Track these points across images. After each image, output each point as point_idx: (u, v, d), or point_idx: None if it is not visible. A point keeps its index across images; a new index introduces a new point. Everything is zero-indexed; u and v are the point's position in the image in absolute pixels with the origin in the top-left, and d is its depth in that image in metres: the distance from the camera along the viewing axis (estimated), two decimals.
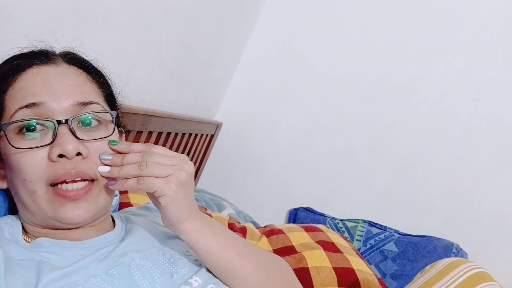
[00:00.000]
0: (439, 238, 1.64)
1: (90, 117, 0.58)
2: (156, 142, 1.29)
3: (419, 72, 1.74)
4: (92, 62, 0.65)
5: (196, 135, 1.66)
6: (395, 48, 1.75)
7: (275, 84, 1.87)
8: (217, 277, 0.62)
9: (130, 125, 1.04)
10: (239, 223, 1.27)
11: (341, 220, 1.75)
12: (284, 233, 1.19)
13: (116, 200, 0.96)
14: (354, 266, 1.08)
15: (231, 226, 1.20)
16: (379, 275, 1.19)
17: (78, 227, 0.59)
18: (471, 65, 1.70)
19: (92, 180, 0.57)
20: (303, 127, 1.85)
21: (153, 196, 0.58)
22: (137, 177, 0.55)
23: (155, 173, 0.55)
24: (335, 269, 1.04)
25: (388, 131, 1.78)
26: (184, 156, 0.60)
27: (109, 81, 0.66)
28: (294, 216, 1.79)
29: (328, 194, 1.84)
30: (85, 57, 0.65)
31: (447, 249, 1.59)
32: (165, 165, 0.55)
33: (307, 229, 1.22)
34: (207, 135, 1.80)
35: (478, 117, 1.70)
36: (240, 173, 1.92)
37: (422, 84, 1.74)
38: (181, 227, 0.58)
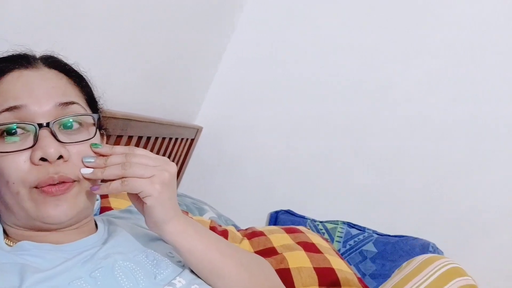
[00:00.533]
0: (416, 238, 1.68)
1: (71, 120, 0.58)
2: (136, 146, 1.28)
3: (397, 73, 1.78)
4: (73, 66, 0.65)
5: (177, 139, 1.67)
6: (373, 49, 1.78)
7: (254, 87, 1.88)
8: (200, 278, 0.62)
9: (110, 129, 1.03)
10: (220, 226, 1.28)
11: (321, 222, 1.77)
12: (265, 235, 1.20)
13: (97, 205, 0.96)
14: (334, 266, 1.10)
15: (213, 229, 1.20)
16: (358, 275, 1.21)
17: (61, 229, 0.59)
18: (448, 67, 1.74)
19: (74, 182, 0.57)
20: (283, 129, 1.87)
21: (135, 199, 0.59)
22: (121, 178, 0.55)
23: (138, 174, 0.55)
24: (315, 269, 1.06)
25: (366, 132, 1.81)
26: (166, 158, 0.60)
27: (90, 84, 0.67)
28: (275, 218, 1.81)
29: (308, 195, 1.86)
30: (66, 61, 0.65)
31: (424, 248, 1.63)
32: (148, 165, 0.56)
33: (288, 231, 1.24)
34: (187, 139, 1.80)
35: (452, 118, 1.74)
36: (220, 177, 1.93)
37: (400, 85, 1.78)
38: (166, 228, 0.58)
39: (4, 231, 0.60)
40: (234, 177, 1.91)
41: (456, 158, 1.74)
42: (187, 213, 1.26)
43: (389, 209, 1.80)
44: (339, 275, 1.08)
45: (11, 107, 0.56)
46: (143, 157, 0.57)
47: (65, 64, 0.64)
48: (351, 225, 1.75)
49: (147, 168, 0.56)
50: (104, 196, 1.05)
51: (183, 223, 0.60)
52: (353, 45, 1.79)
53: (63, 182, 0.56)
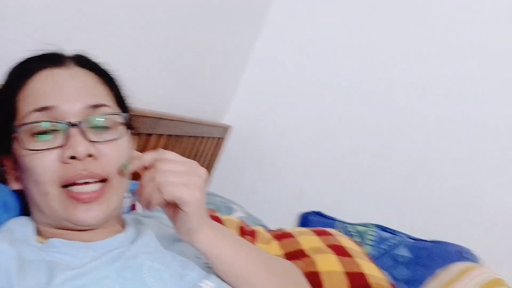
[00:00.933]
0: (451, 243, 1.62)
1: (101, 120, 0.58)
2: (165, 145, 1.29)
3: (429, 72, 1.73)
4: (102, 65, 0.65)
5: (206, 138, 1.67)
6: (403, 49, 1.74)
7: (285, 86, 1.86)
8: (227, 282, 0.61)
9: (140, 128, 1.04)
10: (248, 226, 1.27)
11: (351, 224, 1.73)
12: (294, 237, 1.18)
13: (127, 203, 0.96)
14: (366, 271, 1.06)
15: (241, 229, 1.19)
16: (392, 281, 1.17)
17: (91, 229, 0.59)
18: (476, 66, 1.69)
19: (103, 180, 0.57)
20: (313, 129, 1.84)
21: (167, 205, 0.57)
22: (157, 188, 0.54)
23: (172, 181, 0.54)
24: (346, 273, 1.03)
25: (398, 133, 1.77)
26: (195, 161, 0.58)
27: (119, 83, 0.67)
28: (305, 220, 1.78)
29: (338, 197, 1.83)
30: (95, 60, 0.65)
31: (460, 254, 1.56)
32: (181, 172, 0.54)
33: (318, 233, 1.21)
34: (217, 138, 1.80)
35: (485, 118, 1.69)
36: (250, 176, 1.92)
37: (430, 85, 1.73)
38: (197, 236, 0.57)
39: (36, 228, 0.61)
40: (264, 177, 1.90)
41: (489, 159, 1.69)
42: (213, 211, 1.26)
43: (420, 213, 1.75)
44: (371, 280, 1.04)
45: (42, 107, 0.56)
46: (174, 162, 0.55)
47: (95, 63, 0.64)
48: (382, 228, 1.70)
49: (179, 175, 0.54)
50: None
51: (213, 230, 0.59)
52: (384, 45, 1.75)
53: (92, 182, 0.56)
